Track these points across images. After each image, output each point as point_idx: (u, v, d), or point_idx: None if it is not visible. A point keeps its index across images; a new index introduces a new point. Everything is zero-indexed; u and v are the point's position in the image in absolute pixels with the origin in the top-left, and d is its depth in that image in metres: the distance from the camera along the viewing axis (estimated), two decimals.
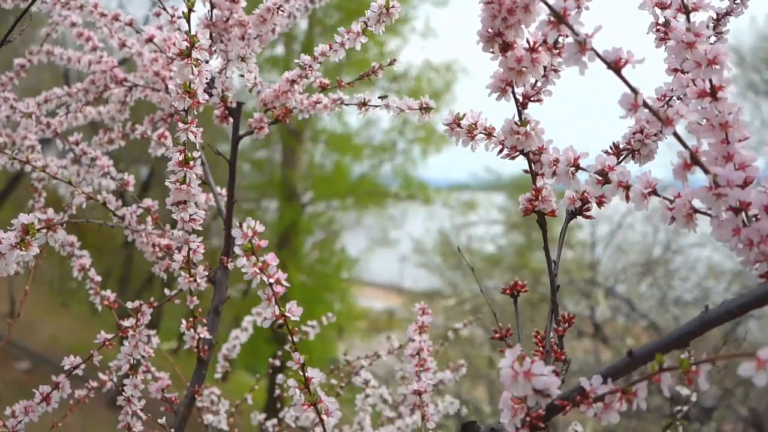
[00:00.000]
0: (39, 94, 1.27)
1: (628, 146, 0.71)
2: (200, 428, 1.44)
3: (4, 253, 0.70)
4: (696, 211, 0.57)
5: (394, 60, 1.04)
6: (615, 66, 0.53)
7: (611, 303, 7.09)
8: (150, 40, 1.07)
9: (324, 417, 0.67)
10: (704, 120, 0.58)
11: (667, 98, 0.72)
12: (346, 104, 1.01)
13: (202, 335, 1.01)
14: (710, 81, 0.56)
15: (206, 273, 0.95)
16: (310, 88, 1.02)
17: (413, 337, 1.00)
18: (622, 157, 0.71)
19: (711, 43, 0.76)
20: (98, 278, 1.13)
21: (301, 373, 0.67)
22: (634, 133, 0.71)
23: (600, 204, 0.70)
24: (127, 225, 1.03)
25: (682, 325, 0.52)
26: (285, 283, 0.65)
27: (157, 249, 1.06)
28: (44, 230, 0.68)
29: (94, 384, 1.18)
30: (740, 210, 0.53)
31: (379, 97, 1.00)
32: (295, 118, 1.02)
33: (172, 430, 0.97)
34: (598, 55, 0.52)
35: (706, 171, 0.53)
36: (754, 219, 0.55)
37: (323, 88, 1.03)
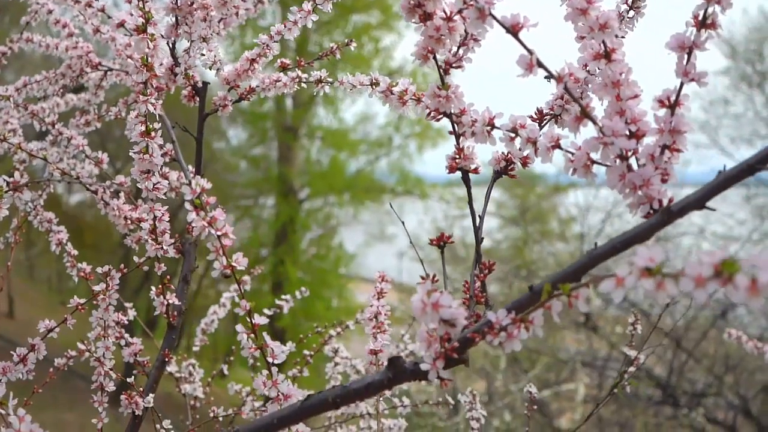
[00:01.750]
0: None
1: (551, 111, 0.77)
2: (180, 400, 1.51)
3: None
4: (593, 162, 0.63)
5: (351, 40, 1.10)
6: (513, 30, 0.59)
7: (604, 294, 7.15)
8: (121, 24, 1.13)
9: (270, 360, 0.74)
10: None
11: (587, 67, 0.78)
12: (305, 82, 1.07)
13: (171, 302, 1.07)
14: (604, 43, 0.62)
15: (173, 240, 1.01)
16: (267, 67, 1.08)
17: (372, 302, 1.06)
18: (545, 121, 0.77)
19: (630, 16, 0.82)
20: (75, 252, 1.19)
21: (248, 320, 0.73)
22: (556, 99, 0.77)
23: (524, 164, 0.76)
24: (100, 199, 1.09)
25: (575, 261, 0.58)
26: (232, 236, 0.72)
27: (129, 222, 1.12)
28: (11, 192, 0.75)
29: (73, 353, 1.25)
30: (626, 157, 0.59)
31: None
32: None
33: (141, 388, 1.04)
34: (497, 20, 0.59)
35: (595, 123, 0.60)
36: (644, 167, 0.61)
37: (284, 68, 1.09)
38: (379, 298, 1.07)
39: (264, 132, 11.87)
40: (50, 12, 1.30)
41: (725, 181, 0.54)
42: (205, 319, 1.55)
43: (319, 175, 11.78)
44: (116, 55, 1.26)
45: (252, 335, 0.73)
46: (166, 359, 1.09)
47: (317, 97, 11.69)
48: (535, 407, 1.22)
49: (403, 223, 0.88)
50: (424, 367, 0.63)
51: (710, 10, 0.60)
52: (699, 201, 0.55)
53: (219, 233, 0.71)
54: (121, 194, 1.14)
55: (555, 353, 7.06)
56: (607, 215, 7.17)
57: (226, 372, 1.52)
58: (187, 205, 0.70)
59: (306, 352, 1.42)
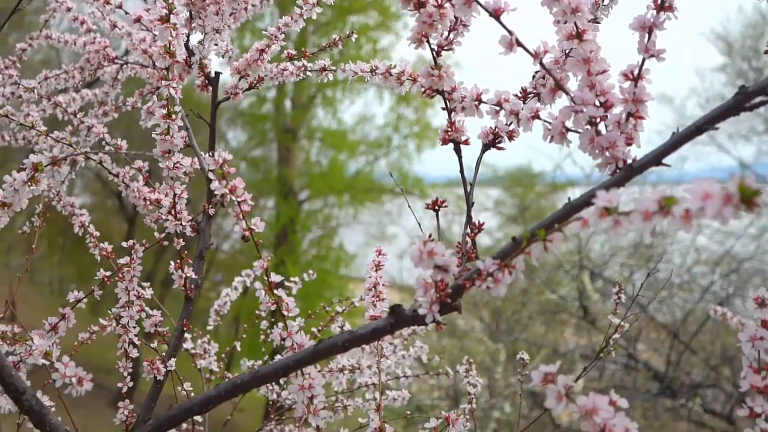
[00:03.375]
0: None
1: (534, 89, 0.86)
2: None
3: (18, 189, 0.85)
4: (568, 129, 0.72)
5: (353, 32, 1.19)
6: (495, 14, 0.68)
7: (602, 289, 7.26)
8: (138, 20, 1.21)
9: (285, 313, 0.82)
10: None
11: (566, 50, 0.87)
12: (310, 71, 1.16)
13: (188, 275, 1.15)
14: (576, 25, 0.71)
15: (191, 217, 1.10)
16: (278, 58, 1.17)
17: (370, 274, 1.15)
18: (529, 99, 0.86)
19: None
20: (97, 233, 1.28)
21: (266, 278, 0.82)
22: (538, 78, 0.86)
23: (510, 138, 0.85)
24: (121, 181, 1.18)
25: (551, 213, 0.67)
26: (250, 201, 0.80)
27: (148, 203, 1.20)
28: (50, 166, 0.83)
29: (96, 328, 1.33)
30: (595, 123, 0.68)
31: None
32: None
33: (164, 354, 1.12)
34: (481, 5, 0.67)
35: (567, 93, 0.68)
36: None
37: (290, 58, 1.18)
38: (377, 270, 1.15)
39: (263, 134, 11.97)
40: (69, 10, 1.38)
41: (678, 140, 0.63)
42: (218, 301, 1.64)
43: (319, 176, 11.87)
44: (132, 50, 1.35)
45: (269, 291, 0.82)
46: (185, 328, 1.17)
47: (316, 99, 11.82)
48: (527, 372, 1.31)
49: (403, 191, 0.96)
50: (421, 311, 0.71)
51: None
52: (656, 158, 0.64)
53: (239, 200, 0.79)
54: (140, 177, 1.22)
55: (554, 347, 7.15)
56: None
57: (239, 349, 1.60)
58: (211, 175, 0.78)
59: (314, 329, 1.51)
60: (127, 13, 1.27)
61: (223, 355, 1.57)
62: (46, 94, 1.37)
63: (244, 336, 1.61)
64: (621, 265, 7.01)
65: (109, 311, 1.29)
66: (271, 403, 1.50)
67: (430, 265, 0.67)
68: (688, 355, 6.79)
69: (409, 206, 0.98)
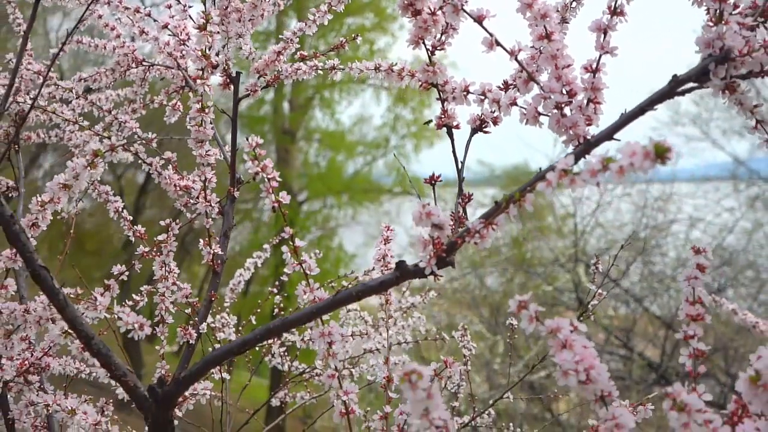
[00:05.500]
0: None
1: (514, 82, 1.01)
2: None
3: (80, 172, 1.00)
4: (540, 113, 0.87)
5: (357, 35, 1.35)
6: (479, 20, 0.83)
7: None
8: (165, 26, 1.37)
9: (307, 272, 0.98)
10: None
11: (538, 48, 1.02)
12: (320, 70, 1.31)
13: (215, 251, 1.31)
14: (545, 28, 0.86)
15: (219, 200, 1.25)
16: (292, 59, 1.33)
17: (379, 246, 1.30)
18: (510, 89, 1.02)
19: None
20: (130, 217, 1.43)
21: (291, 243, 0.98)
22: (517, 72, 1.01)
23: (495, 123, 1.00)
24: (154, 170, 1.33)
25: (524, 183, 0.83)
26: (278, 179, 0.96)
27: (178, 188, 1.36)
28: (109, 152, 0.98)
29: (130, 303, 1.49)
30: (560, 108, 0.84)
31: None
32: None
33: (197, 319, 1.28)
34: (467, 13, 0.83)
35: (537, 84, 0.84)
36: None
37: (303, 59, 1.34)
38: (385, 243, 1.30)
39: (262, 135, 12.08)
40: (100, 17, 1.54)
41: (626, 119, 0.78)
42: (233, 281, 1.80)
43: (318, 177, 12.01)
44: (158, 53, 1.50)
45: (294, 254, 0.97)
46: (212, 299, 1.33)
47: (314, 100, 11.97)
48: (510, 346, 1.46)
49: (411, 181, 1.11)
50: (422, 265, 0.87)
51: (619, 2, 0.84)
52: (608, 135, 0.79)
53: (269, 177, 0.95)
54: (170, 167, 1.38)
55: None
56: (597, 205, 7.46)
57: (254, 322, 1.76)
58: (245, 156, 0.94)
59: None
60: (155, 20, 1.43)
61: (240, 328, 1.72)
62: (83, 94, 1.52)
63: (258, 311, 1.77)
64: (616, 257, 7.18)
65: (140, 289, 1.44)
66: (285, 373, 1.66)
67: (428, 224, 0.82)
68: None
69: (417, 195, 1.13)
